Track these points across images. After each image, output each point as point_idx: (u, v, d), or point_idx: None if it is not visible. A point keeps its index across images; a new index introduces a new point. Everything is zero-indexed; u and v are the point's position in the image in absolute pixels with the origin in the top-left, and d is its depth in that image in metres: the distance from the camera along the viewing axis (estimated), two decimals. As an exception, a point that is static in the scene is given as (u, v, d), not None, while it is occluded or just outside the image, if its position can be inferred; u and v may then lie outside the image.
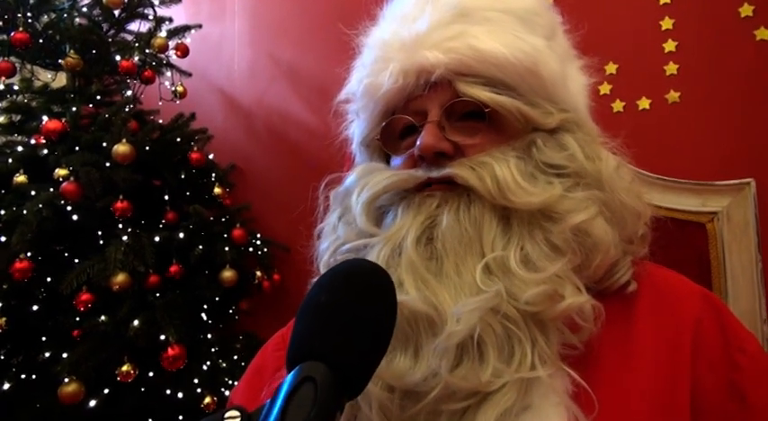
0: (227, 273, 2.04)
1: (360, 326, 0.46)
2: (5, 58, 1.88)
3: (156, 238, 1.88)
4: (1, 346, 1.83)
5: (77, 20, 2.01)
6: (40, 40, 1.96)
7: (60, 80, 2.14)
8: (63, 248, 1.88)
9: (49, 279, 1.80)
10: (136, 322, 1.73)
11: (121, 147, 1.80)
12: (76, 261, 1.78)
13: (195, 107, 2.36)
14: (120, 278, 1.70)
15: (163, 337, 1.75)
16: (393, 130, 0.74)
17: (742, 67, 1.56)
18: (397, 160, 0.74)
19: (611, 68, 1.70)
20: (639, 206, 0.69)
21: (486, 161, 0.66)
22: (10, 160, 1.89)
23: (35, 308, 1.81)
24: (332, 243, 0.72)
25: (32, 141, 1.97)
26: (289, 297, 2.29)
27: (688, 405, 0.61)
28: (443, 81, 0.69)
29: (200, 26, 2.33)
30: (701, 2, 1.62)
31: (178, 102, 2.27)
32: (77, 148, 1.86)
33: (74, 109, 1.92)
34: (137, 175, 1.90)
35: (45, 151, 1.90)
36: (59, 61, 1.96)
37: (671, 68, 1.65)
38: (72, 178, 1.75)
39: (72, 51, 1.92)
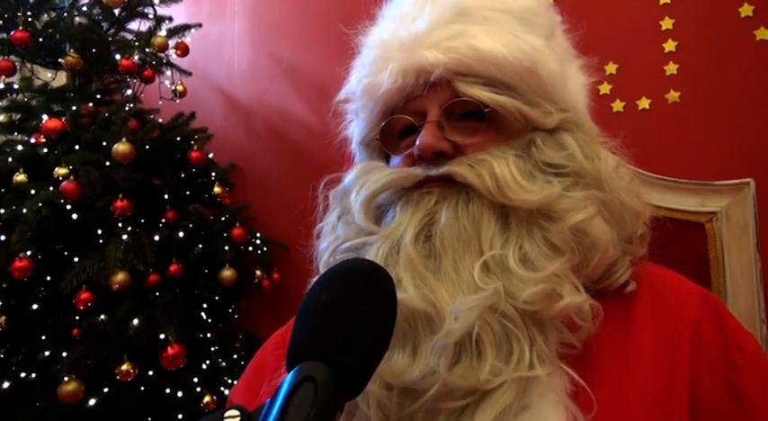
0: (227, 273, 2.04)
1: (360, 326, 0.46)
2: (5, 57, 1.88)
3: (156, 237, 1.88)
4: (1, 345, 1.83)
5: (77, 19, 2.01)
6: (40, 39, 1.96)
7: (60, 79, 2.14)
8: (63, 247, 1.88)
9: (48, 278, 1.80)
10: (135, 321, 1.74)
11: (121, 146, 1.80)
12: (76, 260, 1.78)
13: (195, 106, 2.36)
14: (120, 277, 1.70)
15: (162, 336, 1.76)
16: (392, 130, 0.74)
17: (742, 67, 1.56)
18: (396, 160, 0.74)
19: (611, 68, 1.70)
20: (638, 206, 0.69)
21: (484, 159, 0.66)
22: (10, 159, 1.89)
23: (35, 306, 1.81)
24: (331, 242, 0.72)
25: (32, 140, 1.97)
26: (288, 296, 2.29)
27: (686, 404, 0.61)
28: (443, 81, 0.69)
29: (200, 25, 2.33)
30: (701, 2, 1.62)
31: (178, 101, 2.27)
32: (77, 147, 1.86)
33: (74, 108, 1.92)
34: (136, 174, 1.90)
35: (45, 150, 1.90)
36: (59, 60, 1.96)
37: (671, 68, 1.65)
38: (72, 177, 1.75)
39: (72, 50, 1.92)
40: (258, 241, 2.28)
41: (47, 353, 1.76)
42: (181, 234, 1.98)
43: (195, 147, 2.18)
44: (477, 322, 0.57)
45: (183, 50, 2.23)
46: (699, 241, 1.45)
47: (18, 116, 2.05)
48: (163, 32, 2.16)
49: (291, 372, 0.42)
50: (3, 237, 1.72)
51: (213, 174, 2.29)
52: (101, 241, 1.84)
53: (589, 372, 0.59)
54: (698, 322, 0.65)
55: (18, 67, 1.97)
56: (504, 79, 0.68)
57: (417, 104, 0.71)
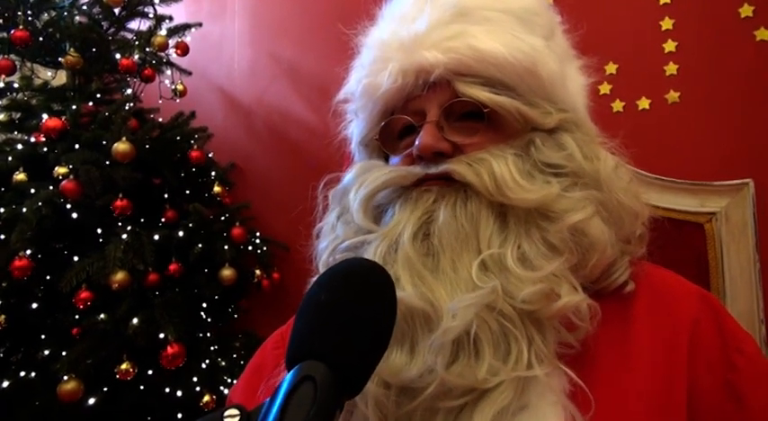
0: (227, 272, 2.04)
1: (359, 326, 0.46)
2: (5, 56, 1.88)
3: (156, 237, 1.88)
4: (0, 344, 1.83)
5: (77, 18, 2.01)
6: (41, 38, 1.96)
7: (60, 78, 2.14)
8: (62, 246, 1.88)
9: (48, 277, 1.80)
10: (135, 320, 1.74)
11: (121, 146, 1.80)
12: (76, 259, 1.78)
13: (195, 106, 2.36)
14: (120, 276, 1.70)
15: (162, 336, 1.76)
16: (392, 130, 0.74)
17: (742, 67, 1.56)
18: (395, 160, 0.74)
19: (611, 68, 1.71)
20: (637, 206, 0.69)
21: (483, 158, 0.66)
22: (10, 158, 1.89)
23: (34, 306, 1.81)
24: (331, 242, 0.72)
25: (32, 139, 1.97)
26: (288, 295, 2.29)
27: (685, 405, 0.61)
28: (442, 81, 0.69)
29: (200, 25, 2.33)
30: (702, 2, 1.62)
31: (178, 100, 2.27)
32: (77, 146, 1.86)
33: (74, 107, 1.92)
34: (136, 174, 1.90)
35: (45, 149, 1.90)
36: (59, 59, 1.96)
37: (671, 68, 1.65)
38: (72, 176, 1.75)
39: (72, 49, 1.92)
40: (258, 241, 2.28)
41: (46, 353, 1.76)
42: (181, 233, 1.98)
43: (195, 147, 2.18)
44: (475, 320, 0.57)
45: (184, 50, 2.23)
46: (698, 241, 1.45)
47: (18, 115, 2.05)
48: (163, 32, 2.16)
49: (291, 372, 0.42)
50: (2, 236, 1.72)
51: (213, 173, 2.29)
52: (100, 240, 1.84)
53: (587, 372, 0.59)
54: (696, 322, 0.65)
55: (18, 66, 1.97)
56: (504, 79, 0.68)
57: (417, 104, 0.71)
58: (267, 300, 2.29)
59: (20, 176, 1.84)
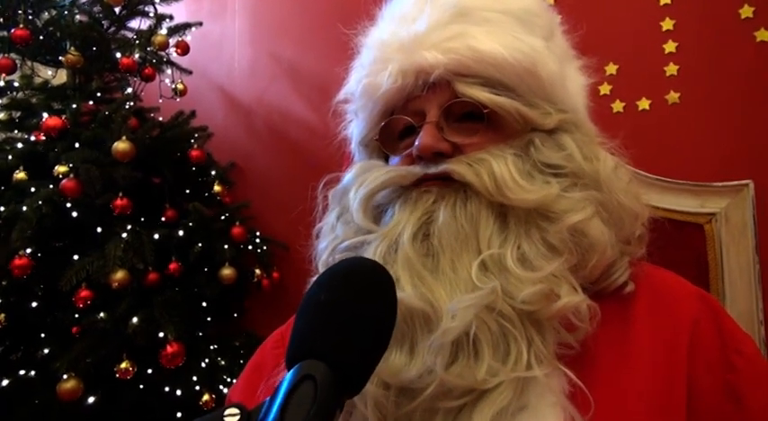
0: (227, 271, 2.04)
1: (359, 325, 0.46)
2: (6, 55, 1.88)
3: (156, 236, 1.89)
4: (0, 343, 1.83)
5: (78, 17, 2.01)
6: (41, 37, 1.96)
7: (60, 77, 2.14)
8: (62, 245, 1.88)
9: (48, 276, 1.80)
10: (135, 319, 1.74)
11: (121, 145, 1.80)
12: (76, 258, 1.78)
13: (195, 105, 2.36)
14: (120, 275, 1.71)
15: (162, 335, 1.76)
16: (392, 131, 0.74)
17: (742, 68, 1.56)
18: (395, 160, 0.74)
19: (612, 69, 1.71)
20: (637, 207, 0.69)
21: (483, 158, 0.66)
22: (10, 157, 1.89)
23: (34, 304, 1.82)
24: (330, 242, 0.72)
25: (32, 138, 1.97)
26: (288, 295, 2.29)
27: (684, 405, 0.61)
28: (442, 81, 0.69)
29: (200, 24, 2.34)
30: (702, 3, 1.62)
31: (178, 99, 2.27)
32: (77, 145, 1.86)
33: (74, 106, 1.92)
34: (136, 173, 1.91)
35: (45, 148, 1.90)
36: (60, 58, 1.96)
37: (671, 69, 1.65)
38: (72, 175, 1.75)
39: (72, 48, 1.92)
40: (258, 240, 2.28)
41: (46, 351, 1.76)
42: (180, 232, 1.99)
43: (195, 146, 2.18)
44: (475, 321, 0.57)
45: (184, 49, 2.23)
46: (698, 242, 1.45)
47: (18, 114, 2.05)
48: (163, 31, 2.16)
49: (291, 371, 0.42)
50: (3, 235, 1.72)
51: (213, 172, 2.29)
52: (100, 239, 1.84)
53: (587, 373, 0.59)
54: (696, 323, 0.65)
55: (18, 65, 1.97)
56: (504, 80, 0.68)
57: (417, 105, 0.71)
58: (267, 299, 2.29)
59: (20, 175, 1.84)
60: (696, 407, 0.62)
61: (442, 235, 0.64)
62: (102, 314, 1.75)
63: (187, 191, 2.20)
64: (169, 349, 1.73)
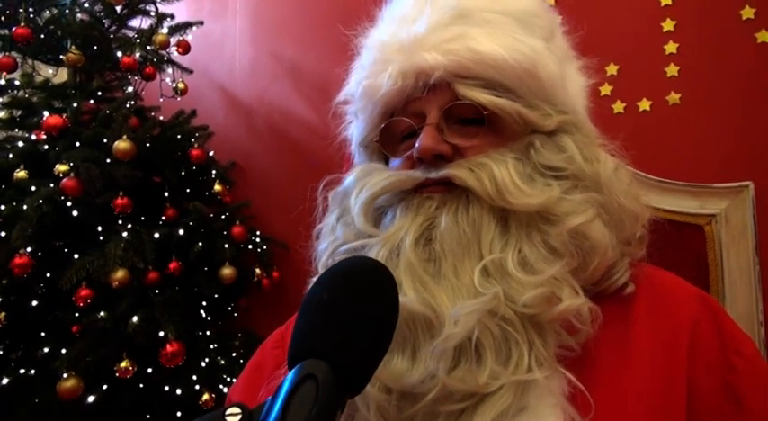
0: (227, 271, 2.04)
1: (361, 324, 0.46)
2: (7, 54, 1.88)
3: (156, 235, 1.89)
4: (0, 341, 1.83)
5: (79, 15, 2.01)
6: (42, 36, 1.96)
7: (61, 76, 2.14)
8: (63, 244, 1.88)
9: (48, 274, 1.80)
10: (135, 318, 1.74)
11: (122, 144, 1.80)
12: (76, 257, 1.78)
13: (196, 104, 2.37)
14: (120, 274, 1.71)
15: (162, 334, 1.76)
16: (392, 132, 0.74)
17: (742, 69, 1.57)
18: (395, 162, 0.74)
19: (612, 69, 1.71)
20: (637, 208, 0.69)
21: (484, 162, 0.66)
22: (10, 155, 1.89)
23: (34, 303, 1.82)
24: (330, 244, 0.72)
25: (33, 137, 1.97)
26: (288, 295, 2.29)
27: (684, 406, 0.61)
28: (442, 83, 0.69)
29: (201, 23, 2.34)
30: (703, 4, 1.62)
31: (179, 98, 2.27)
32: (78, 144, 1.86)
33: (75, 105, 1.93)
34: (137, 172, 1.90)
35: (46, 147, 1.90)
36: (61, 57, 1.96)
37: (672, 70, 1.65)
38: (72, 174, 1.75)
39: (73, 47, 1.92)
40: (258, 239, 2.28)
41: (46, 350, 1.76)
42: (181, 232, 1.99)
43: (196, 145, 2.18)
44: (477, 327, 0.57)
45: (185, 48, 2.24)
46: (698, 243, 1.45)
47: (19, 112, 2.05)
48: (164, 30, 2.16)
49: (293, 371, 0.42)
50: (3, 234, 1.72)
51: (213, 172, 2.29)
52: (101, 238, 1.84)
53: (587, 374, 0.59)
54: (696, 324, 0.65)
55: (19, 64, 1.97)
56: (504, 82, 0.68)
57: (417, 106, 0.71)
58: (267, 298, 2.29)
59: (20, 174, 1.84)
60: (696, 408, 0.62)
61: (444, 240, 0.63)
62: (102, 313, 1.75)
63: (187, 190, 2.20)
64: (169, 348, 1.73)
